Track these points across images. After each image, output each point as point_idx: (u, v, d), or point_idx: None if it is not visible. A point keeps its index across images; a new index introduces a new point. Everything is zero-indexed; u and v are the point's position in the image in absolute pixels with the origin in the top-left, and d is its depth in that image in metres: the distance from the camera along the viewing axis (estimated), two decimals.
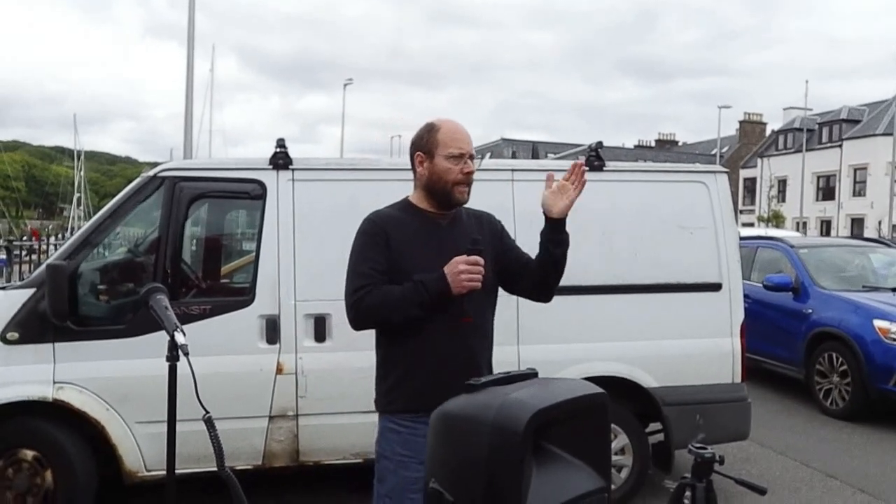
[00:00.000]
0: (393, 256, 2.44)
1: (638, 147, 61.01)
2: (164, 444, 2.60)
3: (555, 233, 2.51)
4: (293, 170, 4.33)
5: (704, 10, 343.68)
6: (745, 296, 4.95)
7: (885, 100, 43.37)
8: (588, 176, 4.59)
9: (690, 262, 4.66)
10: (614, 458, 4.55)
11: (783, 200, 46.16)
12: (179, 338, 2.45)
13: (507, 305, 4.37)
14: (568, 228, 4.74)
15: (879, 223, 37.34)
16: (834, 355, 7.33)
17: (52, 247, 18.41)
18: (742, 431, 4.81)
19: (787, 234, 13.49)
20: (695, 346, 4.62)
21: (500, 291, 2.70)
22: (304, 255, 4.23)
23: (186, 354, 2.43)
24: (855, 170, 43.30)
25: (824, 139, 46.44)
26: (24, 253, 21.66)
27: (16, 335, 3.98)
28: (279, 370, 4.17)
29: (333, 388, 4.18)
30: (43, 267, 4.08)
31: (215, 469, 2.49)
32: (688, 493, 2.72)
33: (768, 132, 55.30)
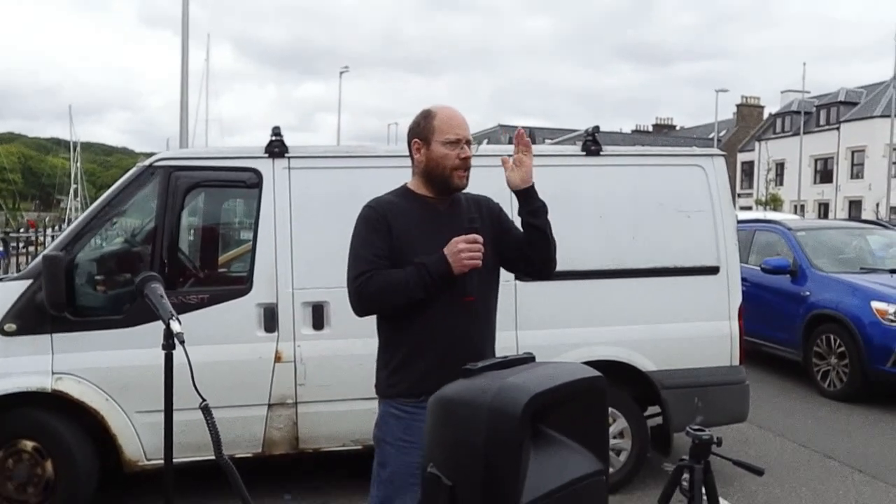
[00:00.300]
0: (394, 243, 2.44)
1: (636, 132, 60.82)
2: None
3: (528, 204, 2.54)
4: (289, 158, 4.31)
5: None
6: (743, 279, 4.95)
7: (882, 81, 43.23)
8: (585, 161, 4.67)
9: (688, 245, 4.66)
10: (613, 441, 4.56)
11: (781, 184, 46.14)
12: (175, 326, 2.44)
13: (506, 291, 4.38)
14: (566, 213, 4.73)
15: (877, 205, 37.34)
16: (832, 337, 7.35)
17: (49, 238, 18.39)
18: (740, 414, 4.83)
19: (786, 216, 13.50)
20: (693, 330, 4.63)
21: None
22: (302, 244, 4.22)
23: (182, 343, 2.43)
24: (853, 152, 43.25)
25: (822, 122, 46.34)
26: (21, 245, 21.65)
27: (14, 326, 3.98)
28: (278, 358, 4.17)
29: (332, 375, 4.19)
30: (39, 258, 4.08)
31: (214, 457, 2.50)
32: (686, 475, 2.73)
33: (766, 115, 55.15)
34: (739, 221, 7.25)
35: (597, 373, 1.81)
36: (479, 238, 2.39)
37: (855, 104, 44.81)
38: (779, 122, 50.56)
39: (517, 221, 2.66)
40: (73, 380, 4.01)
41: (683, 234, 4.66)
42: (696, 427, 2.77)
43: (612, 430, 4.56)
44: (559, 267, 4.43)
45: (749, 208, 38.74)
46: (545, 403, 1.63)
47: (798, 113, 45.21)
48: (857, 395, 7.06)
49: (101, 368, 4.03)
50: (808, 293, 7.73)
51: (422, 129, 2.53)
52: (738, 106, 56.39)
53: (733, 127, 55.40)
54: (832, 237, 8.74)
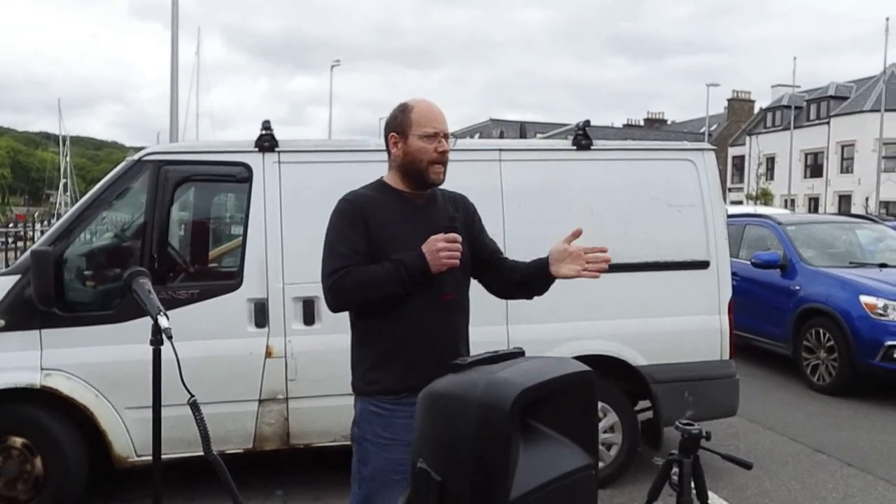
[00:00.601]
0: (371, 237, 2.42)
1: (627, 126, 60.93)
2: None
3: (543, 282, 2.58)
4: (279, 152, 4.30)
5: None
6: (734, 273, 4.97)
7: (872, 76, 43.41)
8: (576, 155, 4.66)
9: (678, 240, 4.67)
10: (604, 435, 4.58)
11: (771, 178, 46.30)
12: (163, 321, 2.43)
13: None
14: (556, 207, 4.73)
15: (867, 199, 37.54)
16: (821, 331, 7.39)
17: (38, 233, 18.30)
18: (731, 408, 4.85)
19: (776, 211, 13.55)
20: (683, 324, 4.64)
21: None
22: (292, 238, 4.21)
23: (170, 338, 2.42)
24: (842, 146, 43.42)
25: (812, 116, 46.51)
26: (10, 240, 21.53)
27: (2, 322, 3.95)
28: (268, 353, 4.16)
29: (323, 370, 4.18)
30: (28, 253, 4.05)
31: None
32: (675, 469, 2.74)
33: (756, 110, 55.32)
34: (730, 216, 7.27)
35: (586, 367, 1.81)
36: (459, 237, 2.37)
37: (845, 98, 44.97)
38: (769, 116, 50.71)
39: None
40: (62, 376, 3.99)
41: (674, 229, 4.67)
42: (686, 421, 2.78)
43: (603, 424, 4.57)
44: None
45: (740, 203, 38.92)
46: (535, 398, 1.63)
47: (788, 107, 45.38)
48: (846, 388, 7.10)
49: (90, 364, 4.01)
50: (797, 287, 7.77)
51: (399, 123, 2.50)
52: (729, 100, 56.58)
53: (724, 121, 55.56)
54: (822, 231, 8.78)
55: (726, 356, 4.72)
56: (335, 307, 2.47)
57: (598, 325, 4.54)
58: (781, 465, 5.18)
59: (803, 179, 45.87)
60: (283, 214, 4.22)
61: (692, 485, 2.73)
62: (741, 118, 55.32)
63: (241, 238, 4.36)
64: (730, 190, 49.21)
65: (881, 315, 6.91)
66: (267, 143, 4.28)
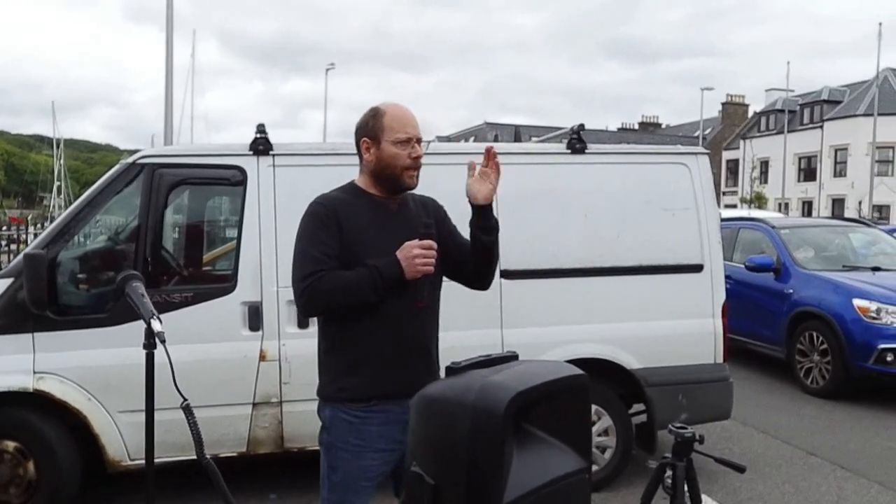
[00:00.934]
0: (344, 241, 2.38)
1: (621, 130, 61.08)
2: None
3: (483, 220, 2.45)
4: (274, 155, 4.29)
5: None
6: (727, 277, 4.99)
7: (865, 80, 43.60)
8: (571, 159, 4.67)
9: (672, 243, 4.68)
10: (598, 438, 4.58)
11: (765, 182, 46.46)
12: (156, 325, 2.43)
13: (491, 289, 4.38)
14: (551, 211, 4.73)
15: (860, 203, 37.68)
16: (814, 334, 7.41)
17: (31, 236, 18.24)
18: (724, 411, 4.85)
19: (770, 214, 13.59)
20: (677, 327, 4.65)
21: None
22: (287, 241, 4.16)
23: (163, 342, 2.41)
24: (836, 150, 43.59)
25: (806, 120, 46.69)
26: (3, 243, 21.46)
27: None
28: (262, 357, 4.15)
29: (317, 374, 4.17)
30: (21, 256, 4.04)
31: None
32: (669, 473, 2.75)
33: (750, 114, 55.51)
34: (724, 219, 7.30)
35: (579, 371, 1.82)
36: (434, 244, 2.35)
37: (838, 103, 45.17)
38: (763, 120, 50.89)
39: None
40: (55, 379, 3.97)
41: (668, 232, 4.68)
42: (679, 425, 2.79)
43: (597, 427, 4.57)
44: (544, 265, 4.49)
45: (734, 206, 39.05)
46: (528, 402, 1.63)
47: (782, 111, 45.54)
48: (839, 391, 7.12)
49: (83, 367, 4.00)
50: (791, 291, 7.79)
51: (371, 128, 2.46)
52: (723, 104, 56.74)
53: (718, 125, 55.72)
54: (815, 235, 8.81)
55: (720, 359, 4.73)
56: (307, 313, 2.46)
57: (592, 329, 4.54)
58: (775, 468, 5.19)
59: (797, 183, 46.03)
60: (278, 218, 4.21)
61: (686, 488, 2.74)
62: (735, 122, 55.51)
63: (235, 241, 4.35)
64: (724, 193, 49.36)
65: (874, 318, 6.93)
66: (261, 146, 4.27)
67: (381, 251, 2.35)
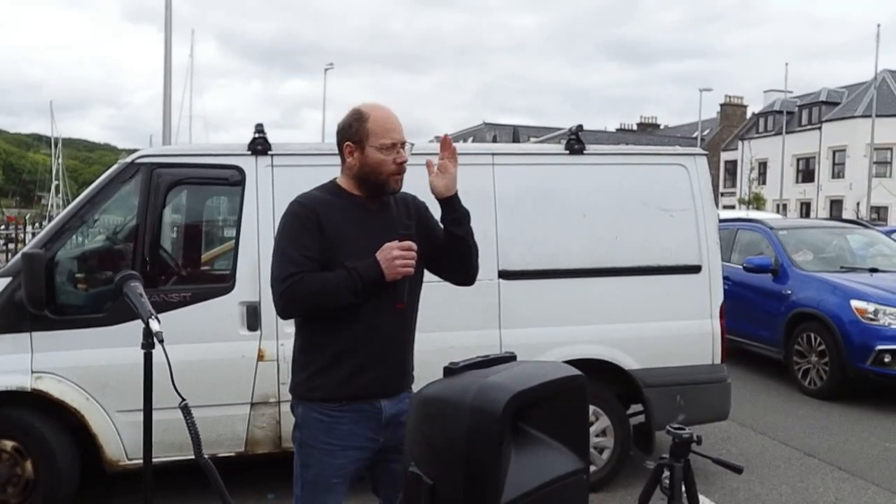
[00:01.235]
0: (324, 242, 2.36)
1: (620, 130, 61.06)
2: None
3: (450, 212, 2.44)
4: (272, 155, 4.29)
5: None
6: (726, 278, 4.99)
7: (863, 81, 43.62)
8: (569, 159, 4.68)
9: (670, 244, 4.69)
10: (596, 439, 4.59)
11: (763, 183, 46.47)
12: (154, 325, 2.43)
13: (490, 289, 4.41)
14: (549, 211, 4.72)
15: (858, 204, 37.70)
16: (812, 335, 7.42)
17: (29, 235, 18.22)
18: (722, 412, 4.86)
19: (768, 216, 13.61)
20: (675, 328, 4.66)
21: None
22: None
23: (161, 342, 2.41)
24: (834, 152, 43.60)
25: (804, 121, 46.70)
26: (1, 242, 21.44)
27: None
28: (260, 357, 4.15)
29: None
30: (19, 255, 4.04)
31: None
32: (666, 473, 2.75)
33: (749, 115, 55.53)
34: (722, 220, 7.30)
35: (577, 371, 1.82)
36: (414, 246, 2.34)
37: (836, 104, 45.18)
38: (762, 121, 50.90)
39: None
40: (53, 379, 3.97)
41: (666, 233, 4.68)
42: (676, 426, 2.79)
43: (595, 428, 4.58)
44: (543, 266, 4.49)
45: (732, 207, 39.04)
46: (526, 402, 1.64)
47: (780, 112, 45.56)
48: (837, 392, 7.13)
49: (81, 367, 3.99)
50: (789, 292, 7.80)
51: (355, 132, 2.42)
52: (721, 105, 56.75)
53: (717, 126, 55.74)
54: (813, 236, 8.82)
55: (718, 360, 4.74)
56: (285, 314, 2.44)
57: (590, 329, 4.54)
58: (772, 469, 5.19)
59: (795, 184, 46.05)
60: (276, 218, 4.19)
61: (683, 489, 2.74)
62: (734, 123, 55.51)
63: (233, 241, 4.35)
64: (722, 194, 49.38)
65: (872, 319, 6.94)
66: (260, 146, 4.27)
67: (362, 252, 2.34)
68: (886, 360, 6.82)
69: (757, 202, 40.85)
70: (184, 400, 2.43)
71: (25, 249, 4.07)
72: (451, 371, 1.76)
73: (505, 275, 4.39)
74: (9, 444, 4.00)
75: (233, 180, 4.28)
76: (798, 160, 46.35)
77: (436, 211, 2.56)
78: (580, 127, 4.74)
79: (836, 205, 42.78)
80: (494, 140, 48.59)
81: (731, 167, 52.05)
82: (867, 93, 40.76)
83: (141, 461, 2.81)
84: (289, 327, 4.18)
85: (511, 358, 1.87)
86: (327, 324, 2.39)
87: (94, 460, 4.11)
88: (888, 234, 10.24)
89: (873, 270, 7.85)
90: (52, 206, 60.96)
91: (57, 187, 64.64)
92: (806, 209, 45.18)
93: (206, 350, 4.08)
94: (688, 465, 2.76)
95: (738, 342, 8.15)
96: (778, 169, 43.74)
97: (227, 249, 5.03)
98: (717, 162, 51.67)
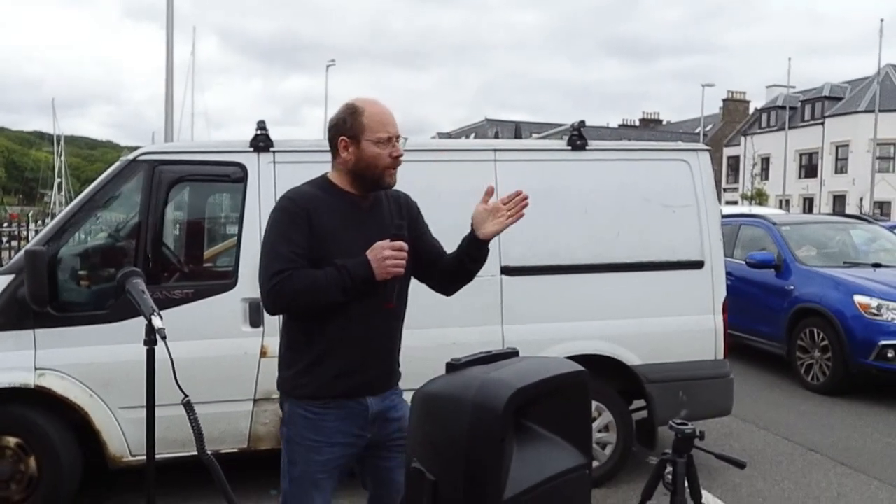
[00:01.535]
0: (315, 239, 2.34)
1: (622, 126, 60.99)
2: None
3: (475, 250, 2.44)
4: (274, 152, 4.29)
5: None
6: (728, 273, 4.98)
7: (866, 77, 43.51)
8: (571, 155, 4.67)
9: (673, 240, 4.68)
10: (598, 435, 4.59)
11: (766, 178, 46.41)
12: (157, 322, 2.43)
13: (492, 286, 4.41)
14: (551, 208, 4.72)
15: (861, 199, 37.62)
16: (815, 331, 7.41)
17: (32, 233, 18.26)
18: (725, 407, 4.86)
19: (771, 211, 13.58)
20: (677, 324, 4.65)
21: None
22: None
23: (164, 338, 2.41)
24: (837, 147, 43.53)
25: (807, 117, 46.62)
26: (4, 239, 21.47)
27: None
28: (263, 353, 4.16)
29: None
30: (22, 253, 4.04)
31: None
32: (669, 469, 2.75)
33: (751, 110, 55.42)
34: (724, 216, 7.29)
35: (579, 367, 1.82)
36: (405, 246, 2.32)
37: (839, 99, 45.09)
38: (764, 116, 50.81)
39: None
40: (56, 375, 3.98)
41: (668, 229, 4.67)
42: (679, 421, 2.79)
43: (598, 423, 4.58)
44: (545, 261, 4.49)
45: (735, 203, 39.01)
46: (528, 398, 1.64)
47: (783, 108, 45.48)
48: (839, 388, 7.12)
49: (84, 364, 4.00)
50: (792, 287, 7.79)
51: (349, 127, 2.40)
52: (724, 101, 56.66)
53: (719, 122, 55.65)
54: (816, 231, 8.80)
55: (720, 356, 4.73)
56: (274, 311, 2.43)
57: (592, 325, 4.54)
58: (775, 465, 5.19)
59: (798, 180, 45.98)
60: None
61: (686, 484, 2.74)
62: (736, 118, 55.42)
63: (236, 238, 4.35)
64: (725, 190, 49.33)
65: (875, 315, 6.93)
66: (262, 142, 4.27)
67: (352, 250, 2.32)
68: (889, 355, 6.81)
69: (760, 198, 40.79)
70: (186, 396, 2.43)
71: (28, 246, 4.08)
72: (453, 367, 1.76)
73: (507, 271, 4.39)
74: (12, 441, 4.00)
75: (235, 177, 4.28)
76: (801, 155, 46.27)
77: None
78: (582, 123, 4.73)
79: (839, 200, 42.71)
80: (496, 136, 48.54)
81: (734, 163, 51.97)
82: (870, 88, 40.65)
83: (144, 458, 2.82)
84: None
85: (513, 354, 1.87)
86: (315, 322, 2.38)
87: (97, 457, 4.12)
88: (891, 229, 10.21)
89: (876, 266, 7.83)
90: (54, 203, 61.00)
91: (59, 185, 64.71)
92: (809, 205, 45.11)
93: (209, 346, 4.08)
94: (690, 461, 2.76)
95: (741, 338, 8.14)
96: (781, 164, 43.66)
97: (230, 246, 5.03)
98: (720, 157, 51.60)
